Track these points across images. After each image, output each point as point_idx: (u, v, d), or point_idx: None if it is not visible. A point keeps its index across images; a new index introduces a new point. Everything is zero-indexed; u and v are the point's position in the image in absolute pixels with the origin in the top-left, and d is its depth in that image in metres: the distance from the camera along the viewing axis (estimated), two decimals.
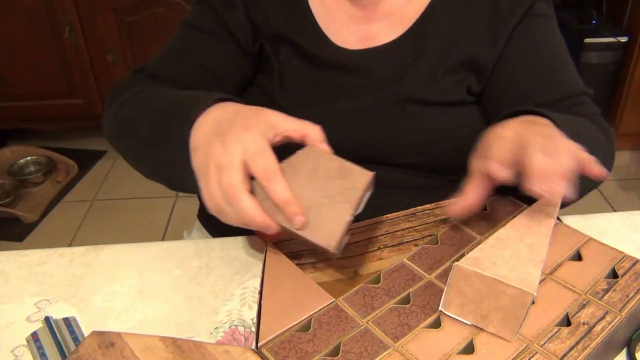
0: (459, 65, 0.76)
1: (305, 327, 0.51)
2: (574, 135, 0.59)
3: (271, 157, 0.52)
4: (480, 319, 0.50)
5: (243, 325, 0.60)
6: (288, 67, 0.78)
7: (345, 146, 0.77)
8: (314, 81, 0.78)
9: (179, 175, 0.59)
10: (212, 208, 0.54)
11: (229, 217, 0.53)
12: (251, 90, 0.81)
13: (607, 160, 0.72)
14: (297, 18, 0.77)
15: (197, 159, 0.55)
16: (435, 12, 0.76)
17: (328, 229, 0.51)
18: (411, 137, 0.75)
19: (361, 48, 0.77)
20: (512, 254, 0.51)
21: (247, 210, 0.51)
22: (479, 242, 0.60)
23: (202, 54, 0.78)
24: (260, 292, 0.55)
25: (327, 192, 0.53)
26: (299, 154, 0.56)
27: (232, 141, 0.52)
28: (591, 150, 0.67)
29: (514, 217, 0.62)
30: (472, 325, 0.50)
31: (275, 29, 0.77)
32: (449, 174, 0.78)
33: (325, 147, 0.57)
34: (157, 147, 0.62)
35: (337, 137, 0.79)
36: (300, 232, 0.51)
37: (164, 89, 0.70)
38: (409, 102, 0.75)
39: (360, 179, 0.54)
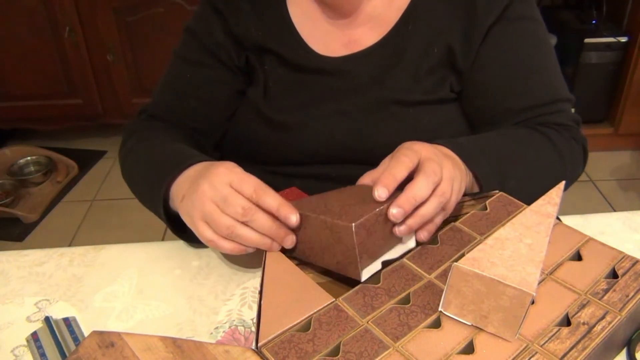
0: (440, 64, 0.75)
1: (305, 327, 0.51)
2: (495, 162, 0.66)
3: (253, 178, 0.58)
4: (480, 319, 0.50)
5: (243, 325, 0.60)
6: (273, 76, 0.79)
7: (330, 149, 0.77)
8: (298, 87, 0.78)
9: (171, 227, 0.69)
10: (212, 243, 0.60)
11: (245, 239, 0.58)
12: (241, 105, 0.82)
13: (556, 177, 0.70)
14: (278, 30, 0.78)
15: (185, 215, 0.62)
16: (415, 12, 0.75)
17: (355, 214, 0.54)
18: (396, 138, 0.75)
19: (344, 54, 0.77)
20: (511, 254, 0.51)
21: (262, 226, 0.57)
22: (479, 242, 0.60)
23: (193, 86, 0.81)
24: (260, 292, 0.55)
25: (365, 199, 0.56)
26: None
27: (212, 181, 0.58)
28: (521, 172, 0.70)
29: (514, 217, 0.62)
30: (472, 325, 0.50)
31: (257, 41, 0.78)
32: None
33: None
34: (146, 200, 0.72)
35: (321, 141, 0.79)
36: (326, 218, 0.55)
37: (152, 145, 0.76)
38: (392, 104, 0.75)
39: (409, 238, 0.58)
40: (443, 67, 0.76)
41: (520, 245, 0.52)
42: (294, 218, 0.57)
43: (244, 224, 0.57)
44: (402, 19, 0.76)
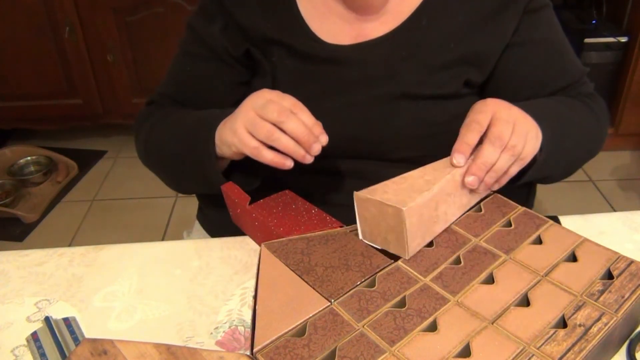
0: (458, 60, 0.76)
1: (301, 332, 0.51)
2: (553, 123, 0.70)
3: (292, 97, 0.65)
4: (384, 242, 0.56)
5: (243, 325, 0.61)
6: (282, 68, 0.78)
7: (339, 142, 0.78)
8: (308, 78, 0.78)
9: (205, 176, 0.73)
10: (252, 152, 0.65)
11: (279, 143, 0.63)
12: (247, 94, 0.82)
13: (595, 139, 0.80)
14: (286, 22, 0.78)
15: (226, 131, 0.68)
16: (430, 7, 0.76)
17: (336, 285, 0.56)
18: (406, 132, 0.76)
19: (354, 43, 0.77)
20: (407, 187, 0.57)
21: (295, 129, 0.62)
22: (474, 244, 0.60)
23: (192, 78, 0.83)
24: (255, 297, 0.55)
25: (348, 262, 0.59)
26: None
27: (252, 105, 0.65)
28: (574, 134, 0.75)
29: (508, 218, 0.63)
30: (468, 329, 0.50)
31: (265, 33, 0.78)
32: None
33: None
34: (187, 159, 0.74)
35: (331, 133, 0.79)
36: (308, 281, 0.57)
37: (182, 113, 0.80)
38: (403, 98, 0.76)
39: (381, 261, 0.59)
40: (462, 64, 0.76)
41: (419, 180, 0.58)
42: (324, 139, 0.65)
43: (281, 130, 0.63)
44: (415, 13, 0.76)
